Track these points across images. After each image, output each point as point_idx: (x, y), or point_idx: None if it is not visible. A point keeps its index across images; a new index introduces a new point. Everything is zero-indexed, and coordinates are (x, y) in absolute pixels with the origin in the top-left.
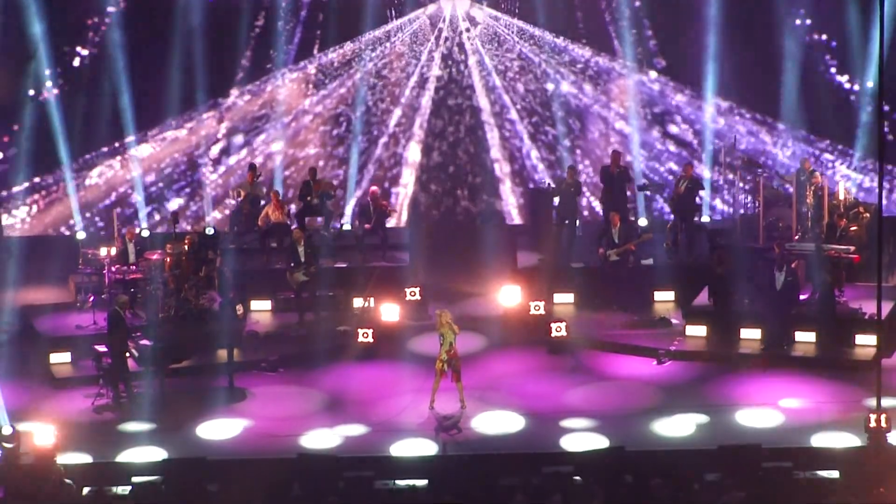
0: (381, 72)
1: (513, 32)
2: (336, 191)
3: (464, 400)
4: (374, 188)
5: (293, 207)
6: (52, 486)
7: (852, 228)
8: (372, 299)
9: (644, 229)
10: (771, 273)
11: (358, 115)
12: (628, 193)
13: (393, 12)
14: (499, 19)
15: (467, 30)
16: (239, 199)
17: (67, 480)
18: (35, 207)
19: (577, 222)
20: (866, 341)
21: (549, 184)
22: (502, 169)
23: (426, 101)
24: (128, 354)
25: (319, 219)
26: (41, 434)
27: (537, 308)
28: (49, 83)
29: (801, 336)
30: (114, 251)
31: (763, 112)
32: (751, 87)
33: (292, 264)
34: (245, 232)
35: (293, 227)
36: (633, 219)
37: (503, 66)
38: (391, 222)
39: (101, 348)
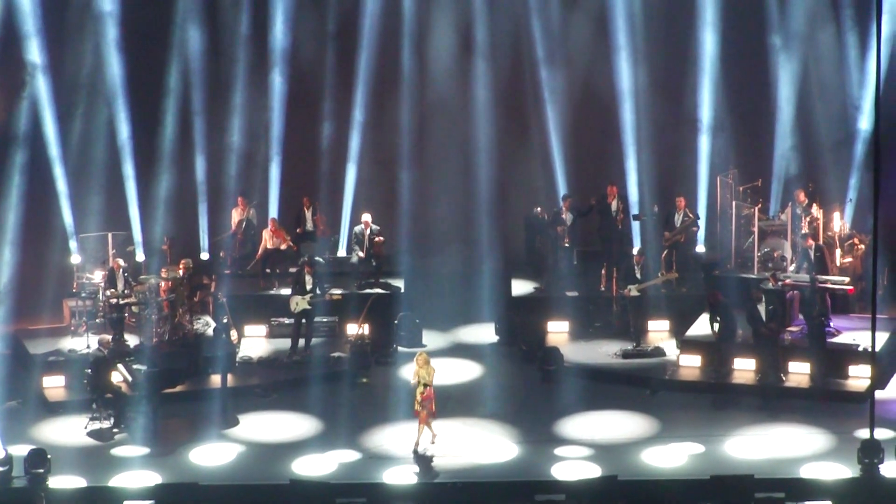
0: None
1: None
2: (323, 224)
3: (433, 432)
4: (366, 216)
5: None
6: None
7: (846, 260)
8: (366, 326)
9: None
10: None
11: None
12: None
13: None
14: None
15: None
16: (233, 226)
17: None
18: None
19: (574, 251)
20: (860, 372)
21: (540, 211)
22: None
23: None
24: (119, 380)
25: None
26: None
27: (530, 338)
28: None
29: (794, 367)
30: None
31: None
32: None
33: (298, 291)
34: (239, 257)
35: (303, 259)
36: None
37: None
38: (384, 250)
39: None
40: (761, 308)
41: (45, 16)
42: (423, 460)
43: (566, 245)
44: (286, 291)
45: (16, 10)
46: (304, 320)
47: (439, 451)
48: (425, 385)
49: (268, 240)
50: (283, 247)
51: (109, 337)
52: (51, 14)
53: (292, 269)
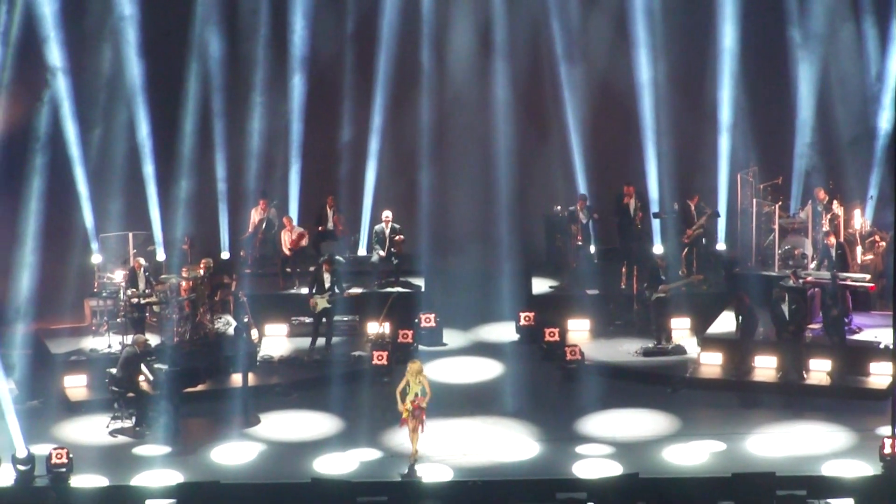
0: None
1: None
2: (342, 223)
3: (416, 449)
4: (386, 214)
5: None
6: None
7: (867, 257)
8: (387, 324)
9: (692, 270)
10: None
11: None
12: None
13: None
14: None
15: None
16: (254, 225)
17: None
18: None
19: (593, 249)
20: (881, 370)
21: (560, 209)
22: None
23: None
24: (141, 379)
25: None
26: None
27: (552, 334)
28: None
29: (815, 364)
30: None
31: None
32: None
33: (315, 290)
34: (260, 257)
35: (322, 258)
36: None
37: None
38: (404, 248)
39: (114, 370)
40: (785, 308)
41: (65, 19)
42: (445, 459)
43: (580, 243)
44: (307, 290)
45: (37, 14)
46: (324, 319)
47: (461, 451)
48: (416, 395)
49: (286, 241)
50: (304, 242)
51: (145, 338)
52: (71, 17)
53: (312, 269)
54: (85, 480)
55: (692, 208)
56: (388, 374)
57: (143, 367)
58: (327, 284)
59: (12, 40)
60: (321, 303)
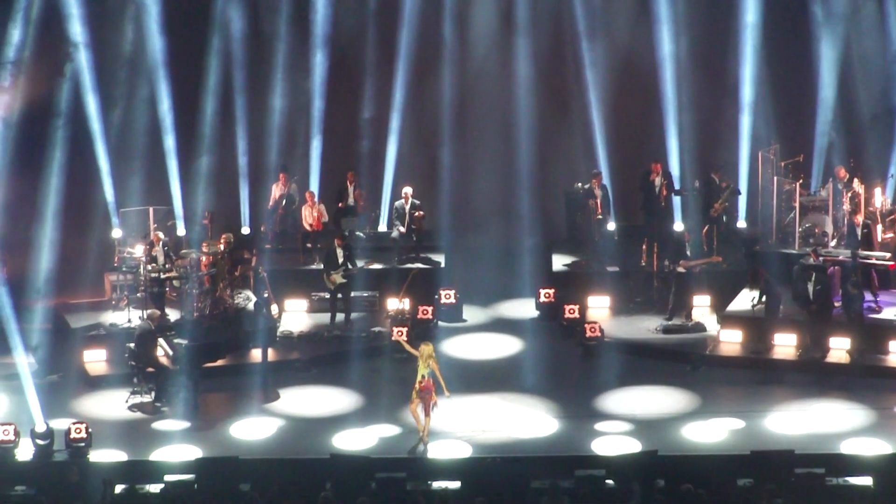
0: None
1: None
2: (363, 199)
3: (425, 436)
4: (407, 189)
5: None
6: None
7: (888, 235)
8: (406, 300)
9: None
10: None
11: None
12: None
13: None
14: None
15: None
16: (274, 200)
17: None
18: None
19: (614, 226)
20: None
21: (581, 186)
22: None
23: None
24: (160, 354)
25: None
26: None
27: (572, 311)
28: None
29: (835, 342)
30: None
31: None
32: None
33: (330, 265)
34: (280, 232)
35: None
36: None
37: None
38: (425, 224)
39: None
40: (809, 286)
41: None
42: (463, 435)
43: (599, 217)
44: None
45: None
46: (339, 295)
47: (479, 427)
48: (423, 376)
49: (307, 217)
50: (325, 218)
51: (159, 312)
52: None
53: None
54: (104, 455)
55: (717, 181)
56: (405, 351)
57: (162, 341)
58: (340, 260)
59: (34, 16)
60: (337, 278)
